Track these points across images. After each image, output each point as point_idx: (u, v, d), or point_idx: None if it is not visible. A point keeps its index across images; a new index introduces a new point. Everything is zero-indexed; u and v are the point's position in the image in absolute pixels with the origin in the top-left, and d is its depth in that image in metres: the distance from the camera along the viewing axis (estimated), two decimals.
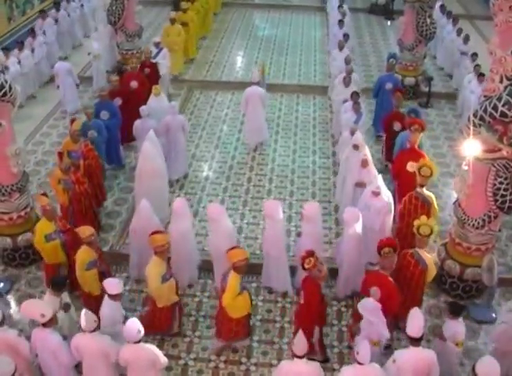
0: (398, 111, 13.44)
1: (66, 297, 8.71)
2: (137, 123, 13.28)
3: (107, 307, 8.41)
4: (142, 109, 13.27)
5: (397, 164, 11.55)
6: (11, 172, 10.28)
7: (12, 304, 10.26)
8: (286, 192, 13.43)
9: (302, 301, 8.74)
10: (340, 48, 16.63)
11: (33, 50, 17.40)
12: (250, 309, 9.12)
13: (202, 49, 21.47)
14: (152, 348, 7.83)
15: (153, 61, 15.99)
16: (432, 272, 9.28)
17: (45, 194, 10.13)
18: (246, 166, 14.42)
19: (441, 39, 19.87)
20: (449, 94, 18.16)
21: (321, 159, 14.75)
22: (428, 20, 16.87)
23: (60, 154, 12.09)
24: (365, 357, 7.27)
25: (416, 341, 7.64)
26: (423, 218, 9.40)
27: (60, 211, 11.02)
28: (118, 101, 14.06)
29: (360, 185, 11.31)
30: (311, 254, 8.58)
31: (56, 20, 19.38)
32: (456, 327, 8.31)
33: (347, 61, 15.32)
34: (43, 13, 19.21)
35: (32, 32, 18.00)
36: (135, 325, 7.63)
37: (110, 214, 12.48)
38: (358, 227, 9.83)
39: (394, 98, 13.79)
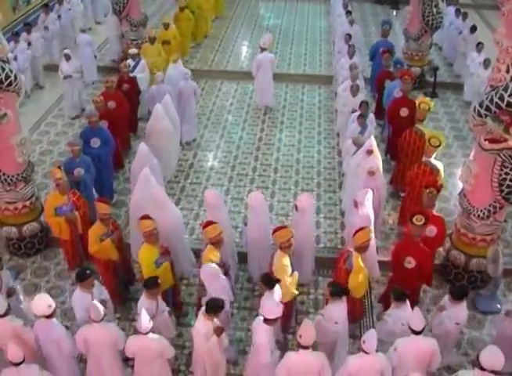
0: (387, 70, 14.99)
1: (217, 321, 8.15)
2: (153, 89, 14.18)
3: (264, 333, 7.76)
4: (158, 75, 14.23)
5: (391, 111, 13.31)
6: (16, 162, 10.28)
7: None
8: (291, 182, 13.42)
9: (414, 266, 9.01)
10: (350, 56, 15.65)
11: None
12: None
13: (207, 39, 21.42)
14: (160, 338, 7.82)
15: (132, 75, 14.55)
16: (442, 175, 10.95)
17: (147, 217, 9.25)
18: (251, 156, 14.41)
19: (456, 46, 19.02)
20: (455, 84, 18.08)
21: (326, 149, 14.73)
22: (434, 10, 16.75)
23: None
24: (372, 346, 7.29)
25: (417, 333, 7.67)
26: (434, 131, 11.87)
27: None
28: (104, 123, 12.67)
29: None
30: (422, 212, 9.15)
31: (29, 43, 17.01)
32: (269, 302, 8.17)
33: (354, 67, 14.41)
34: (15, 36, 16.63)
35: None
36: (146, 317, 7.66)
37: (116, 204, 12.52)
38: (310, 214, 10.04)
39: (383, 59, 15.24)
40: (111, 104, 13.16)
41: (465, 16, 19.28)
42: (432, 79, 17.44)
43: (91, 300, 8.15)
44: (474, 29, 18.21)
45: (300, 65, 19.70)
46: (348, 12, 19.06)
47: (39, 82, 17.57)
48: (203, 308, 7.90)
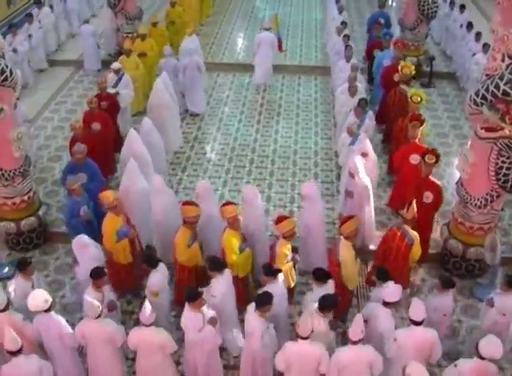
0: (378, 41, 15.99)
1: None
2: (161, 62, 15.37)
3: (386, 317, 7.94)
4: (166, 48, 15.37)
5: (385, 77, 14.36)
6: (13, 157, 10.28)
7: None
8: (289, 173, 13.42)
9: (431, 200, 10.14)
10: (348, 59, 14.96)
11: None
12: None
13: (203, 31, 21.33)
14: (162, 332, 7.79)
15: (111, 92, 13.32)
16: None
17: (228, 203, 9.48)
18: (248, 148, 14.41)
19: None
20: (451, 74, 18.05)
21: (323, 140, 14.73)
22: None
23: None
24: (357, 333, 7.30)
25: (417, 323, 7.64)
26: (415, 89, 13.00)
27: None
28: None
29: (349, 194, 10.80)
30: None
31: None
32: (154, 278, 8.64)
33: (354, 68, 13.97)
34: None
35: None
36: (148, 308, 7.66)
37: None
38: (258, 203, 10.11)
39: (374, 29, 16.55)
40: (96, 126, 11.98)
41: (478, 36, 16.93)
42: (428, 69, 17.41)
43: (202, 319, 7.86)
44: (486, 47, 15.60)
45: (296, 56, 19.67)
46: (343, 23, 17.53)
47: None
48: (316, 305, 7.86)
